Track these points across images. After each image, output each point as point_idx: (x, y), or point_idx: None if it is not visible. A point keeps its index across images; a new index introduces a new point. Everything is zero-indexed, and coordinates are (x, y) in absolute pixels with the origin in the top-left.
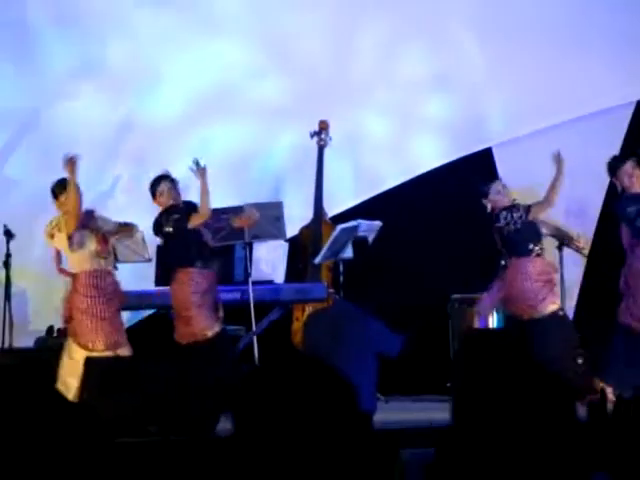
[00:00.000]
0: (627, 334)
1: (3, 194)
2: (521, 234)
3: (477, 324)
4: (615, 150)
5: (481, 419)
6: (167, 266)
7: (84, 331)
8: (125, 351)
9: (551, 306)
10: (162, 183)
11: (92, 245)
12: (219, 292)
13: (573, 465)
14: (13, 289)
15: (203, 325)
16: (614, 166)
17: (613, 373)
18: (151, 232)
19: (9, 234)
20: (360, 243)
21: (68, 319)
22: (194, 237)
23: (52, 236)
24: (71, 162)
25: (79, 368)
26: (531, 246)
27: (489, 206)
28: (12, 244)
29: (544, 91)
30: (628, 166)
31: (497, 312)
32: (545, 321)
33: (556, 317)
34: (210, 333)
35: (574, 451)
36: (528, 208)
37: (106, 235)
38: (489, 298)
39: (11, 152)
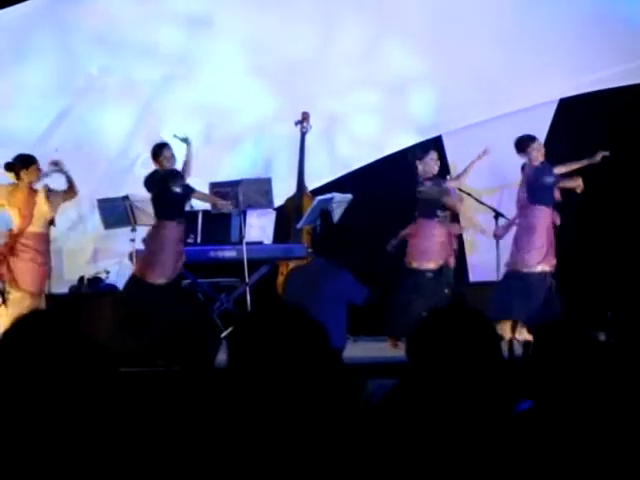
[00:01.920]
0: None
1: None
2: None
3: None
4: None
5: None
6: None
7: None
8: None
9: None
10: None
11: None
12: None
13: (499, 396)
14: None
15: None
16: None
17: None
18: None
19: None
20: (325, 215)
21: None
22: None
23: None
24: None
25: None
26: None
27: (420, 168)
28: None
29: (480, 88)
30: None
31: None
32: None
33: None
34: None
35: (500, 384)
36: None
37: None
38: None
39: None
